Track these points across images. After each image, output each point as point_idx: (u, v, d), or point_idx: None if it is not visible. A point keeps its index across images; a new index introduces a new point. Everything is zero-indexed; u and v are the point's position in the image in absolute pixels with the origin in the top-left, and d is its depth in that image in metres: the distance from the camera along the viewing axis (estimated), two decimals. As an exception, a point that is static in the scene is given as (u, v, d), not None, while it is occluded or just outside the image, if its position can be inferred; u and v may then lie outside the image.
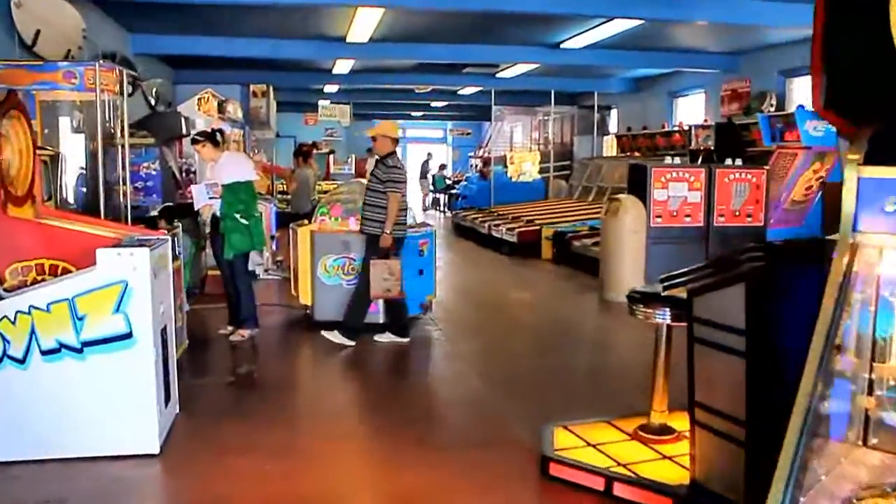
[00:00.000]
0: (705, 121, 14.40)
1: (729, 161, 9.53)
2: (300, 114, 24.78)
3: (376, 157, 6.92)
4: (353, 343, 6.65)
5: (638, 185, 9.18)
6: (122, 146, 6.80)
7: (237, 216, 6.67)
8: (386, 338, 6.89)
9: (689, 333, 3.51)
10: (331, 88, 20.37)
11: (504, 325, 8.14)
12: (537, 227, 13.10)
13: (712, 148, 13.08)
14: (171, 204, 7.44)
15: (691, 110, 16.66)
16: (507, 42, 13.22)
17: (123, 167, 6.78)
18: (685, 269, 3.69)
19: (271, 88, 18.18)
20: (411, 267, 7.32)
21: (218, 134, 7.12)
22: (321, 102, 22.32)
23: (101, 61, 6.06)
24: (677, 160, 11.11)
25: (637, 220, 8.85)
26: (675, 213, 9.11)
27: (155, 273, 4.12)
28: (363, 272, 6.70)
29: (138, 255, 3.92)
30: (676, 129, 15.69)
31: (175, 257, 5.67)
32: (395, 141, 6.84)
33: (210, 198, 6.81)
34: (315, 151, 11.55)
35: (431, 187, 25.47)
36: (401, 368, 6.53)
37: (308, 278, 7.35)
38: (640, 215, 8.88)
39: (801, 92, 13.13)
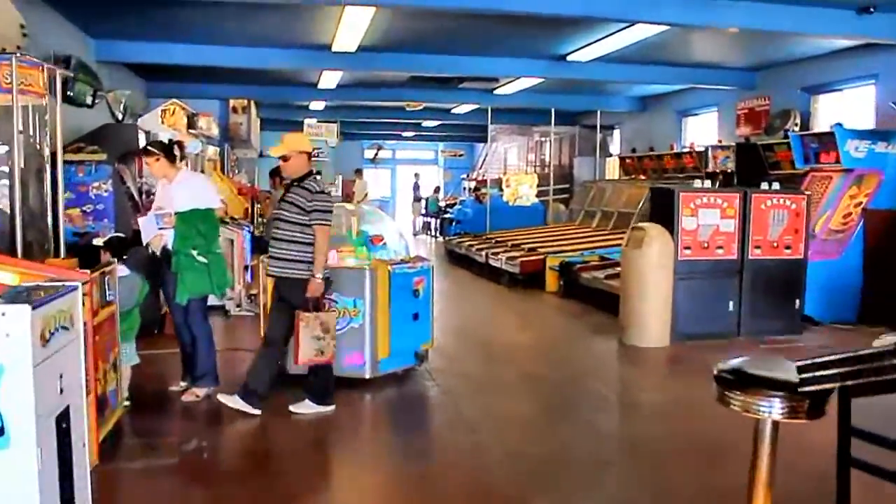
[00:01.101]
0: (719, 141, 13.32)
1: (765, 185, 8.38)
2: (285, 132, 23.61)
3: (288, 180, 5.53)
4: (257, 412, 5.25)
5: (663, 211, 8.02)
6: (54, 162, 5.58)
7: (193, 252, 5.46)
8: (305, 408, 5.39)
9: (840, 450, 2.30)
10: (317, 106, 19.23)
11: (514, 378, 6.89)
12: (541, 257, 11.93)
13: (731, 171, 11.99)
14: (120, 234, 6.21)
15: (702, 130, 15.58)
16: (508, 54, 12.11)
17: (55, 187, 5.56)
18: (836, 357, 2.48)
19: (253, 104, 17.06)
20: (404, 311, 6.13)
21: (176, 147, 5.90)
22: (307, 120, 21.20)
23: (18, 54, 4.84)
24: (698, 183, 9.99)
25: (664, 252, 7.69)
26: (706, 245, 7.95)
27: (48, 337, 2.91)
28: (275, 322, 5.41)
29: (12, 316, 2.71)
30: (687, 150, 14.63)
31: (106, 302, 4.45)
32: (310, 157, 5.53)
33: (161, 228, 5.61)
34: None
35: (423, 211, 24.31)
36: (397, 444, 5.25)
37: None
38: (668, 247, 7.72)
39: (827, 110, 12.07)
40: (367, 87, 15.71)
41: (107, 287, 4.45)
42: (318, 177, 5.48)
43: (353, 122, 23.41)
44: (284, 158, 5.39)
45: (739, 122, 13.70)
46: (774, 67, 12.75)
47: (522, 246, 13.32)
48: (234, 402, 5.29)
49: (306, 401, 5.41)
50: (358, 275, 5.97)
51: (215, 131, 12.34)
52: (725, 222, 8.00)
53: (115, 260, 4.86)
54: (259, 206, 11.22)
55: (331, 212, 5.36)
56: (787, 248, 8.22)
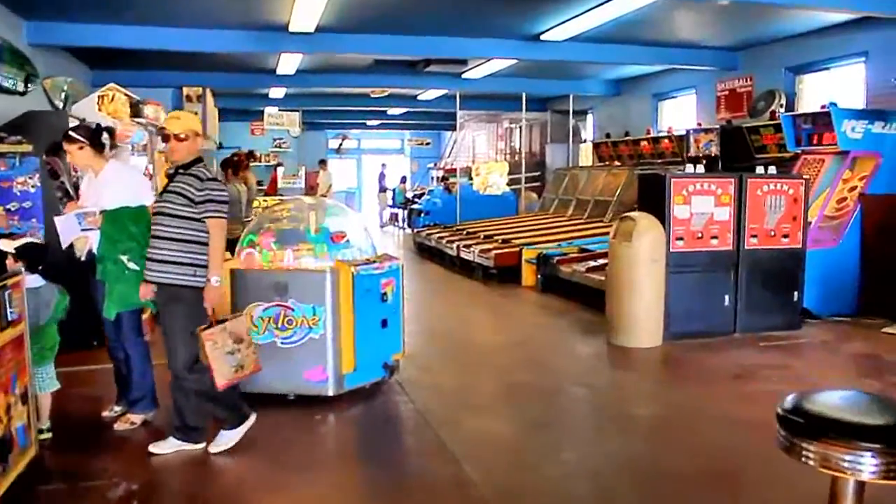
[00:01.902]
0: (699, 125, 12.71)
1: (760, 169, 7.75)
2: (245, 122, 22.72)
3: (172, 165, 4.59)
4: (200, 446, 4.48)
5: (652, 200, 7.35)
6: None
7: (123, 259, 4.67)
8: (169, 446, 4.46)
9: None
10: (277, 93, 18.34)
11: (495, 389, 6.17)
12: (515, 249, 11.24)
13: (716, 155, 11.37)
14: (35, 241, 5.33)
15: (679, 114, 14.97)
16: (478, 34, 11.36)
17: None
18: None
19: (208, 92, 16.14)
20: (371, 318, 5.41)
21: (105, 134, 5.06)
22: (268, 109, 20.36)
23: None
24: (691, 168, 9.34)
25: (655, 244, 7.02)
26: (700, 235, 7.30)
27: None
28: (174, 347, 4.38)
29: None
30: (665, 134, 14.02)
31: (6, 323, 3.67)
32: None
33: (85, 230, 4.82)
34: (251, 162, 9.51)
35: (391, 202, 23.53)
36: (364, 479, 4.49)
37: (229, 334, 5.37)
38: (659, 238, 7.05)
39: (813, 90, 11.50)
40: (329, 72, 14.89)
41: (7, 304, 3.66)
42: (205, 163, 4.55)
43: (316, 110, 22.48)
44: (178, 138, 4.42)
45: (720, 104, 13.12)
46: (757, 47, 12.14)
47: (496, 237, 12.64)
48: (171, 446, 4.47)
49: (170, 438, 4.48)
50: (317, 278, 5.23)
51: (161, 119, 11.45)
52: (720, 210, 7.36)
53: (23, 269, 4.05)
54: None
55: (227, 202, 4.48)
56: (785, 236, 7.60)
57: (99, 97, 8.15)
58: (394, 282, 5.58)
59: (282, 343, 5.25)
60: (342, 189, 29.93)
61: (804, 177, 7.90)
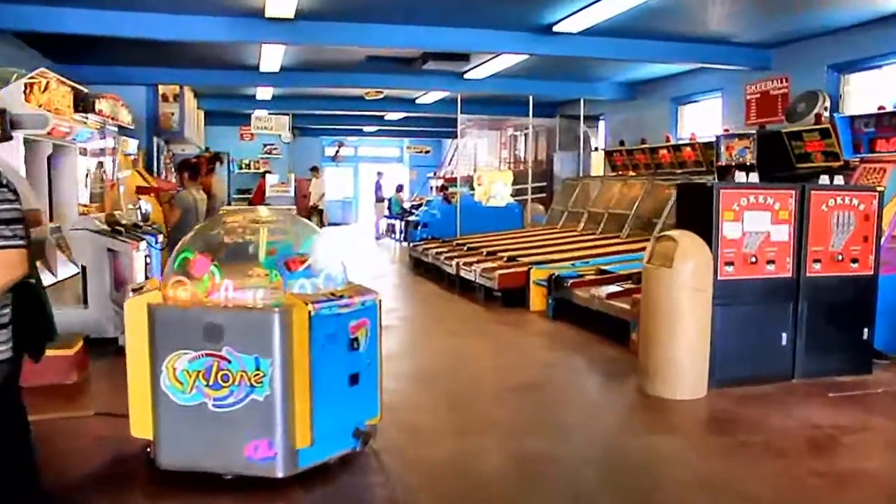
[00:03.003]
0: (725, 130, 11.33)
1: (825, 179, 6.37)
2: (235, 127, 21.40)
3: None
4: None
5: (695, 215, 5.98)
6: None
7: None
8: None
9: None
10: (264, 95, 16.99)
11: (503, 463, 4.62)
12: (523, 268, 9.86)
13: (751, 163, 10.00)
14: None
15: (703, 120, 13.63)
16: (483, 24, 10.02)
17: None
18: None
19: (187, 91, 14.82)
20: (335, 373, 4.03)
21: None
22: (256, 112, 19.04)
23: None
24: (742, 176, 7.98)
25: (701, 270, 5.65)
26: (753, 259, 5.92)
27: None
28: None
29: None
30: (688, 141, 12.67)
31: None
32: None
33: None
34: (215, 165, 8.09)
35: (387, 212, 22.18)
36: None
37: (144, 392, 3.99)
38: (705, 263, 5.68)
39: (862, 91, 10.15)
40: (317, 70, 13.56)
41: None
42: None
43: (309, 114, 21.11)
44: None
45: (749, 108, 11.77)
46: (795, 43, 10.78)
47: (500, 254, 11.27)
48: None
49: None
50: (261, 319, 3.86)
51: (126, 118, 10.11)
52: (778, 228, 5.99)
53: None
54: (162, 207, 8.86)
55: (20, 222, 2.83)
56: (854, 261, 6.22)
57: (27, 85, 6.77)
58: (368, 323, 4.19)
59: (214, 405, 3.88)
60: (338, 198, 28.67)
61: (878, 188, 6.51)
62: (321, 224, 21.30)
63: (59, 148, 8.19)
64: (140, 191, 8.73)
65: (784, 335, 6.08)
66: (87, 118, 8.41)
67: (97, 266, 7.44)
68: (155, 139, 14.06)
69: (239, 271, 4.27)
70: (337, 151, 28.33)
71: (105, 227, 7.38)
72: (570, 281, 8.76)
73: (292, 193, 19.30)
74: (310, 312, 3.86)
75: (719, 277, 5.78)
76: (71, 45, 11.51)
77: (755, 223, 5.89)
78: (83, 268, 7.39)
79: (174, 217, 7.17)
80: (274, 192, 18.86)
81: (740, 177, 6.02)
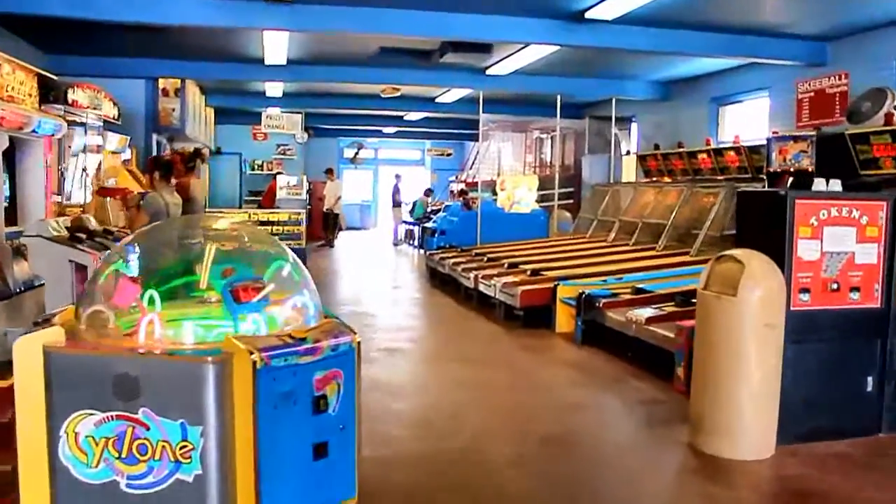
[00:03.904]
0: (774, 133, 10.15)
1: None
2: (247, 126, 20.46)
3: None
4: None
5: (763, 231, 4.87)
6: None
7: None
8: None
9: None
10: (274, 91, 16.01)
11: None
12: (548, 285, 8.77)
13: (810, 169, 8.85)
14: None
15: (746, 122, 12.47)
16: (509, 11, 8.97)
17: None
18: None
19: (191, 85, 13.92)
20: (293, 442, 2.96)
21: None
22: (268, 110, 18.06)
23: None
24: (818, 185, 6.88)
25: (771, 300, 4.53)
26: (835, 286, 4.80)
27: None
28: None
29: None
30: (731, 145, 11.54)
31: None
32: None
33: None
34: (196, 163, 7.01)
35: (407, 217, 21.16)
36: None
37: (39, 463, 2.95)
38: (777, 291, 4.57)
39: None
40: (327, 63, 12.54)
41: None
42: None
43: (323, 113, 20.16)
44: None
45: (801, 108, 10.59)
46: (856, 35, 9.64)
47: (522, 266, 10.19)
48: None
49: None
50: (189, 372, 2.81)
51: (111, 111, 9.16)
52: (865, 248, 4.86)
53: None
54: (126, 214, 7.78)
55: None
56: (955, 289, 5.08)
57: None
58: (341, 375, 3.11)
59: (129, 486, 2.83)
60: (356, 202, 27.67)
61: None
62: (337, 229, 20.33)
63: (22, 142, 7.27)
64: (102, 192, 7.73)
65: (870, 379, 4.95)
66: (62, 110, 7.47)
67: (57, 280, 6.44)
68: (154, 136, 13.14)
69: (178, 301, 3.25)
70: (356, 153, 27.32)
71: (63, 233, 6.37)
72: (603, 301, 7.66)
73: (304, 196, 18.28)
74: (255, 363, 2.80)
75: (792, 308, 4.67)
76: (64, 36, 10.65)
77: (837, 241, 4.77)
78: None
79: (141, 223, 6.13)
80: (285, 194, 17.85)
81: (819, 184, 4.89)
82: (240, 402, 2.81)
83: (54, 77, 7.46)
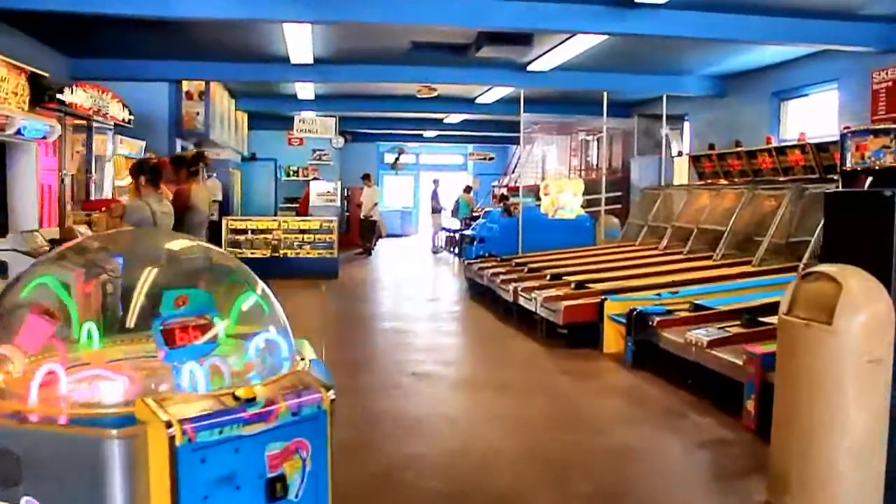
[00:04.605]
0: (845, 129, 9.10)
1: None
2: (281, 131, 19.87)
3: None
4: None
5: (863, 241, 3.95)
6: None
7: None
8: None
9: None
10: (305, 94, 15.32)
11: None
12: (595, 300, 7.87)
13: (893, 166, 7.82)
14: None
15: (812, 117, 11.44)
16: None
17: None
18: None
19: (219, 88, 13.34)
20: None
21: None
22: (303, 114, 17.44)
23: None
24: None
25: (877, 329, 3.61)
26: (954, 311, 3.85)
27: None
28: None
29: None
30: (796, 143, 10.51)
31: None
32: None
33: None
34: (197, 167, 6.25)
35: (450, 218, 20.38)
36: None
37: None
38: (885, 319, 3.64)
39: None
40: (356, 61, 11.80)
41: None
42: None
43: (360, 117, 19.55)
44: None
45: (877, 102, 9.57)
46: (941, 16, 8.61)
47: (565, 277, 9.30)
48: None
49: None
50: (87, 450, 2.02)
51: (120, 114, 8.52)
52: None
53: None
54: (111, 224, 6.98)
55: None
56: None
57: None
58: (306, 448, 2.28)
59: None
60: (396, 208, 26.97)
61: None
62: (375, 236, 19.62)
63: (13, 147, 6.63)
64: (87, 206, 7.05)
65: None
66: (59, 110, 6.81)
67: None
68: (179, 142, 12.54)
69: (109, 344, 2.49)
70: (396, 158, 26.67)
71: (45, 246, 5.67)
72: (656, 319, 6.73)
73: (338, 203, 17.61)
74: (173, 438, 1.99)
75: (901, 337, 3.74)
76: (84, 39, 10.14)
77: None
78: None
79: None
80: (319, 201, 17.20)
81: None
82: (156, 492, 2.01)
83: (45, 74, 6.79)
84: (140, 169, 5.52)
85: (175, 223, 6.16)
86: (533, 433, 5.25)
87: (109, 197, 7.59)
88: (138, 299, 2.59)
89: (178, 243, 3.12)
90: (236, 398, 2.18)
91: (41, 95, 6.93)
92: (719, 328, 6.11)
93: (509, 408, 5.85)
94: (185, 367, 2.32)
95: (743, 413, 5.13)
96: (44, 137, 6.54)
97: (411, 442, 4.92)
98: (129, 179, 8.35)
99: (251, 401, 2.18)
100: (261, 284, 2.83)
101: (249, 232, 13.90)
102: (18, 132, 6.07)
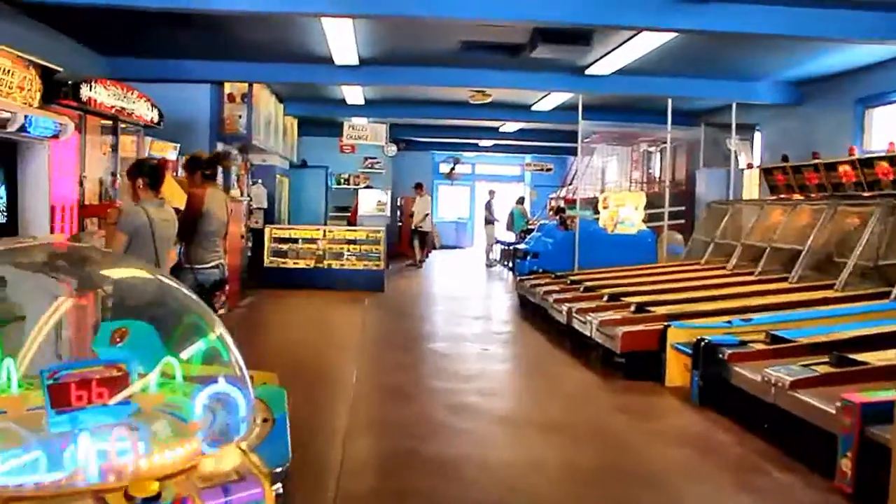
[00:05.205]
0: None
1: None
2: (333, 139, 19.33)
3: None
4: None
5: None
6: None
7: None
8: None
9: None
10: (355, 98, 14.74)
11: None
12: (657, 325, 7.04)
13: None
14: None
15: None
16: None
17: None
18: None
19: (263, 91, 12.85)
20: None
21: None
22: (353, 120, 16.91)
23: None
24: None
25: None
26: None
27: None
28: None
29: None
30: (884, 154, 9.51)
31: None
32: None
33: None
34: (215, 169, 5.61)
35: (503, 234, 19.62)
36: None
37: None
38: None
39: None
40: (403, 63, 11.13)
41: None
42: None
43: (414, 125, 18.94)
44: None
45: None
46: None
47: (625, 299, 8.49)
48: None
49: None
50: None
51: (148, 114, 8.01)
52: None
53: None
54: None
55: None
56: None
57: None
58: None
59: None
60: (451, 219, 26.31)
61: None
62: (426, 247, 18.97)
63: (24, 146, 6.11)
64: (85, 212, 6.48)
65: None
66: (79, 108, 6.30)
67: (41, 312, 5.17)
68: (220, 145, 12.04)
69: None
70: (452, 168, 26.02)
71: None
72: (728, 352, 5.90)
73: (388, 212, 16.99)
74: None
75: None
76: (123, 39, 9.76)
77: None
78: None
79: (117, 246, 4.74)
80: (368, 210, 16.62)
81: None
82: None
83: (58, 69, 6.27)
84: (138, 170, 4.89)
85: (184, 231, 5.56)
86: (581, 487, 4.46)
87: (111, 201, 7.02)
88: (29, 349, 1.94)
89: (127, 270, 2.49)
90: (129, 498, 1.49)
91: (56, 92, 6.42)
92: (803, 366, 5.25)
93: (556, 452, 5.07)
94: (80, 441, 1.64)
95: (836, 473, 4.29)
96: (55, 136, 5.99)
97: (438, 495, 4.19)
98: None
99: (151, 501, 1.49)
100: (220, 327, 2.16)
101: (294, 241, 13.39)
102: (23, 129, 5.52)
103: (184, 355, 2.12)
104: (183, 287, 2.32)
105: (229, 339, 2.14)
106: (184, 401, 2.02)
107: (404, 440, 5.13)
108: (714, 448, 5.17)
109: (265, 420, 2.05)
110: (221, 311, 6.29)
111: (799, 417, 4.85)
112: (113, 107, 7.23)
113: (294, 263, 13.19)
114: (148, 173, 4.83)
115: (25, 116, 5.52)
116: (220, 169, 5.86)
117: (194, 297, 2.30)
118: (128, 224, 4.72)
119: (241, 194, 13.28)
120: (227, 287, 6.02)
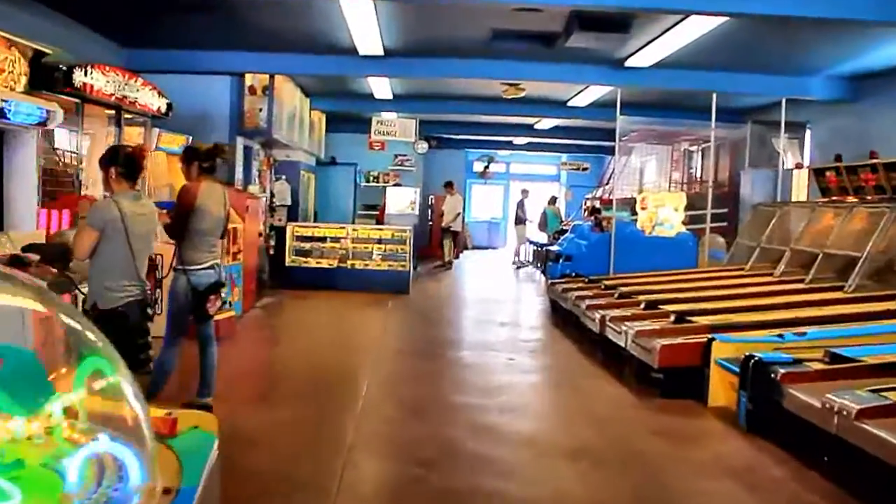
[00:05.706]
0: None
1: None
2: (362, 135, 18.83)
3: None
4: None
5: None
6: None
7: None
8: None
9: None
10: (382, 92, 14.17)
11: None
12: (699, 338, 6.38)
13: None
14: None
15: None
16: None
17: None
18: None
19: (286, 84, 12.39)
20: None
21: None
22: (383, 115, 16.39)
23: None
24: None
25: None
26: None
27: None
28: None
29: None
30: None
31: None
32: None
33: None
34: (213, 162, 5.06)
35: (536, 234, 19.00)
36: None
37: None
38: None
39: None
40: (430, 53, 10.57)
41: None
42: None
43: (446, 121, 18.36)
44: None
45: None
46: None
47: (663, 307, 7.82)
48: None
49: None
50: None
51: (155, 103, 7.53)
52: None
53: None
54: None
55: None
56: None
57: None
58: None
59: None
60: (484, 219, 25.70)
61: None
62: (456, 248, 18.40)
63: (10, 135, 5.66)
64: (48, 204, 6.00)
65: None
66: (75, 95, 5.83)
67: (12, 315, 4.67)
68: (241, 140, 11.59)
69: None
70: (486, 167, 25.40)
71: (6, 252, 4.61)
72: (781, 372, 5.23)
73: (416, 211, 16.44)
74: None
75: None
76: (141, 29, 9.39)
77: None
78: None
79: (83, 243, 4.19)
80: (397, 208, 16.08)
81: None
82: None
83: (48, 51, 5.80)
84: (111, 158, 4.32)
85: (175, 229, 5.04)
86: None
87: (84, 194, 6.52)
88: None
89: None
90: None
91: (49, 77, 5.95)
92: (871, 391, 4.58)
93: (582, 485, 4.46)
94: None
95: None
96: (41, 123, 5.51)
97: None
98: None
99: None
100: (120, 362, 1.59)
101: (316, 240, 12.89)
102: (2, 115, 5.04)
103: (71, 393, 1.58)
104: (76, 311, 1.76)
105: (129, 379, 1.58)
106: (59, 460, 1.48)
107: (411, 466, 4.56)
108: (764, 484, 4.52)
109: (166, 491, 1.48)
110: (218, 316, 5.78)
111: (866, 452, 4.18)
112: (112, 94, 6.75)
113: (317, 263, 12.68)
114: (122, 162, 4.29)
115: (4, 101, 5.04)
116: (217, 161, 5.31)
117: (93, 327, 1.75)
118: (96, 219, 4.18)
119: (263, 190, 12.82)
120: (223, 290, 5.49)
